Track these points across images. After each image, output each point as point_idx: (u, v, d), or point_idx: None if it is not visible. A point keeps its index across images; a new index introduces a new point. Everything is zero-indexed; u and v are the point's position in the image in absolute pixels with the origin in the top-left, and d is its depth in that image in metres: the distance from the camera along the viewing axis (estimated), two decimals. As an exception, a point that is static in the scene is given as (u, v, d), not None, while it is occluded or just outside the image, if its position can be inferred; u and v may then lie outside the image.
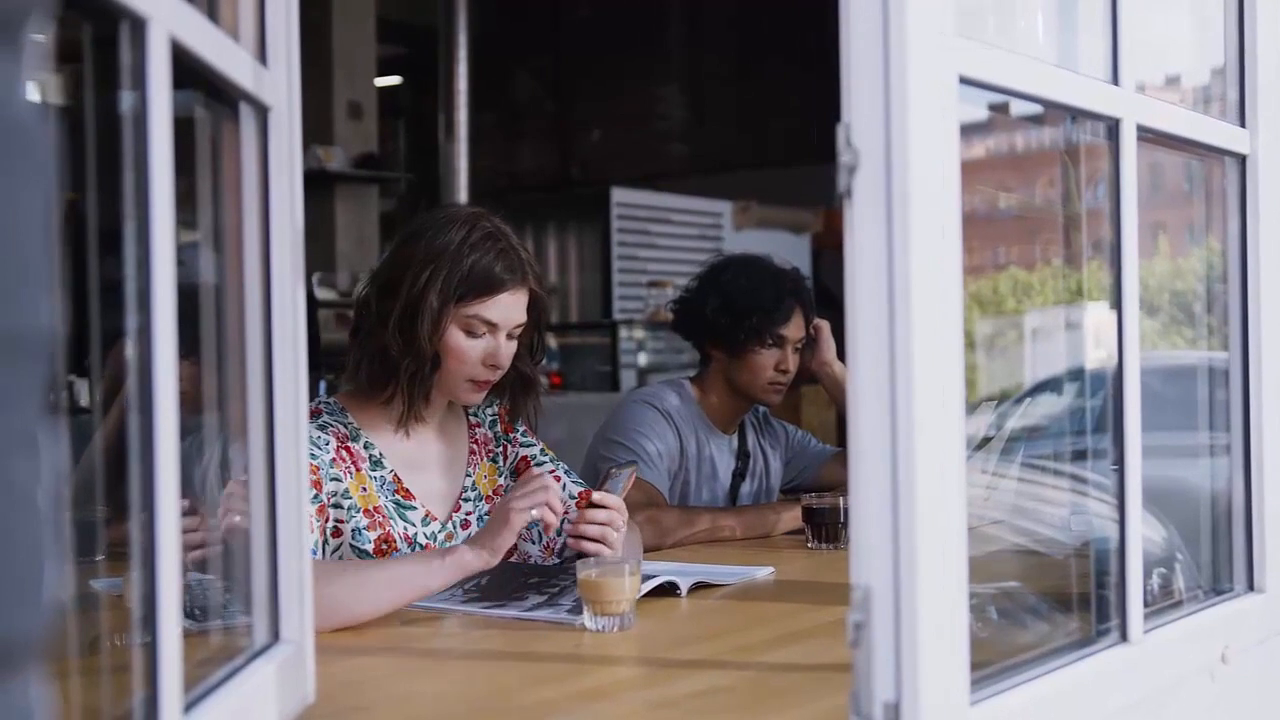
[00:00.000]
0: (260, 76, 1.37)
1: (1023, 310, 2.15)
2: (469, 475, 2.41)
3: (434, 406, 2.35)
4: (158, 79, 1.04)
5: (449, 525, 2.34)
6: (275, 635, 1.41)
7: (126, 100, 1.05)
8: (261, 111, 1.39)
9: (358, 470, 2.25)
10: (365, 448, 2.29)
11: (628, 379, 7.64)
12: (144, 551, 1.04)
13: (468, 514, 2.38)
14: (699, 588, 2.25)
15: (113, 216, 1.06)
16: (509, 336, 2.30)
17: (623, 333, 7.81)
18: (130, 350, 1.06)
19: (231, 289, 1.39)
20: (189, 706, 1.13)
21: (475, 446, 2.44)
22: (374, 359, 2.27)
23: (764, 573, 2.43)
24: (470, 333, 2.26)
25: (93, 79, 1.08)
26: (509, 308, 2.28)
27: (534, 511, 2.03)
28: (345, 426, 2.28)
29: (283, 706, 1.37)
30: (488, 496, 2.42)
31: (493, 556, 2.03)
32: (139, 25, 1.03)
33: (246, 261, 1.39)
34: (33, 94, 0.64)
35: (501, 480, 2.45)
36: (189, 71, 1.15)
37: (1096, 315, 1.92)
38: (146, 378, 1.04)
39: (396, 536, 2.25)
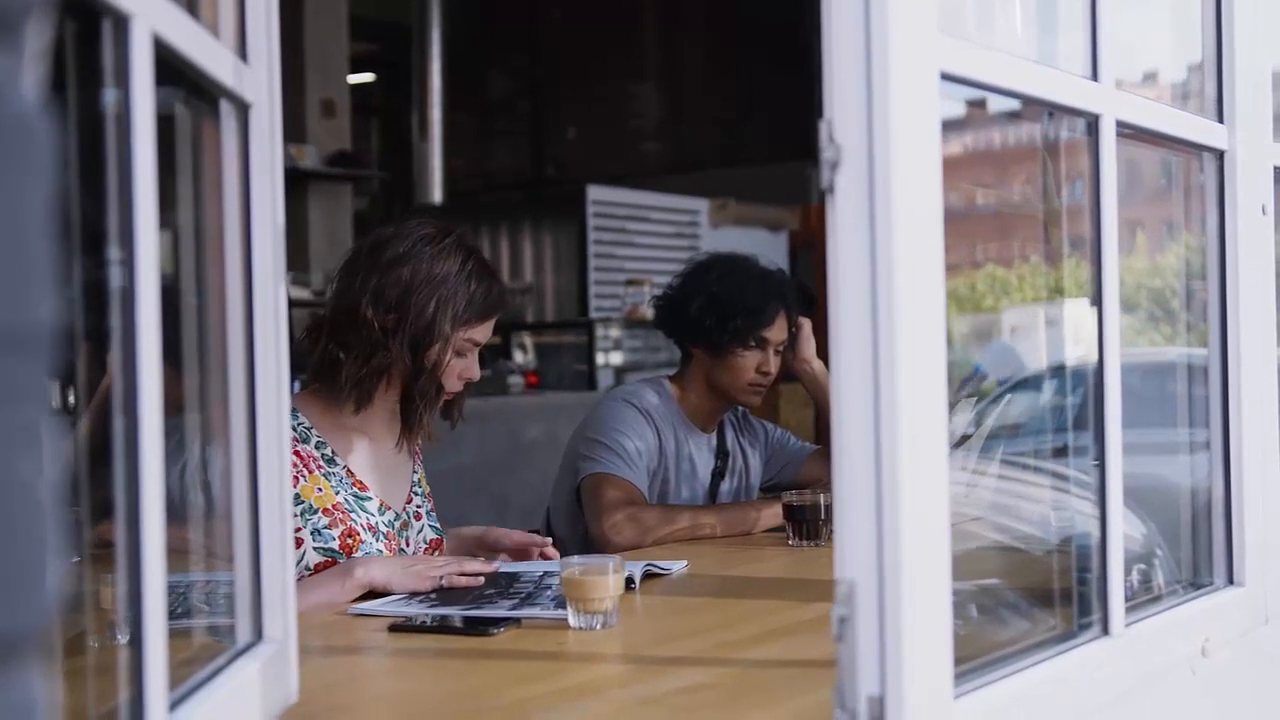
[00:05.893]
0: (241, 73, 1.36)
1: (1000, 307, 2.16)
2: (415, 473, 2.55)
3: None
4: (141, 76, 1.04)
5: (404, 515, 2.47)
6: (258, 634, 1.41)
7: (108, 97, 1.04)
8: (242, 109, 1.38)
9: (310, 472, 2.33)
10: (317, 447, 2.37)
11: (605, 378, 7.63)
12: (129, 552, 1.03)
13: (418, 507, 2.53)
14: (649, 577, 2.32)
15: (93, 214, 1.05)
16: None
17: (599, 331, 7.79)
18: (112, 351, 1.05)
19: (212, 288, 1.39)
20: (173, 705, 1.12)
21: (416, 449, 2.57)
22: (377, 375, 2.35)
23: (679, 566, 2.46)
24: (459, 353, 2.39)
25: (74, 75, 1.07)
26: (491, 328, 2.45)
27: (443, 581, 2.20)
28: (295, 429, 2.33)
29: (266, 705, 1.37)
30: (428, 494, 2.58)
31: (386, 579, 2.18)
32: (122, 22, 1.02)
33: (227, 260, 1.38)
34: (33, 91, 0.64)
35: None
36: (169, 68, 1.14)
37: (1075, 312, 1.93)
38: (130, 379, 1.03)
39: (360, 528, 2.34)
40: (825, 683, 1.27)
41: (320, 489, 2.33)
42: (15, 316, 0.60)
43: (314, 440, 2.37)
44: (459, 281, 2.36)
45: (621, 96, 10.32)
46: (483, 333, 2.41)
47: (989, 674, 1.38)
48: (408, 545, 2.45)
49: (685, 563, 2.48)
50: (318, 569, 2.27)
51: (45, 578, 0.62)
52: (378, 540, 2.35)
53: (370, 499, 2.39)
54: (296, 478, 2.27)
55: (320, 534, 2.30)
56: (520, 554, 2.51)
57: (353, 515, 2.34)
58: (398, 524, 2.44)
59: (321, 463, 2.35)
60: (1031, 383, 2.36)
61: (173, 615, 1.15)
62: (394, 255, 2.35)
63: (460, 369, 2.40)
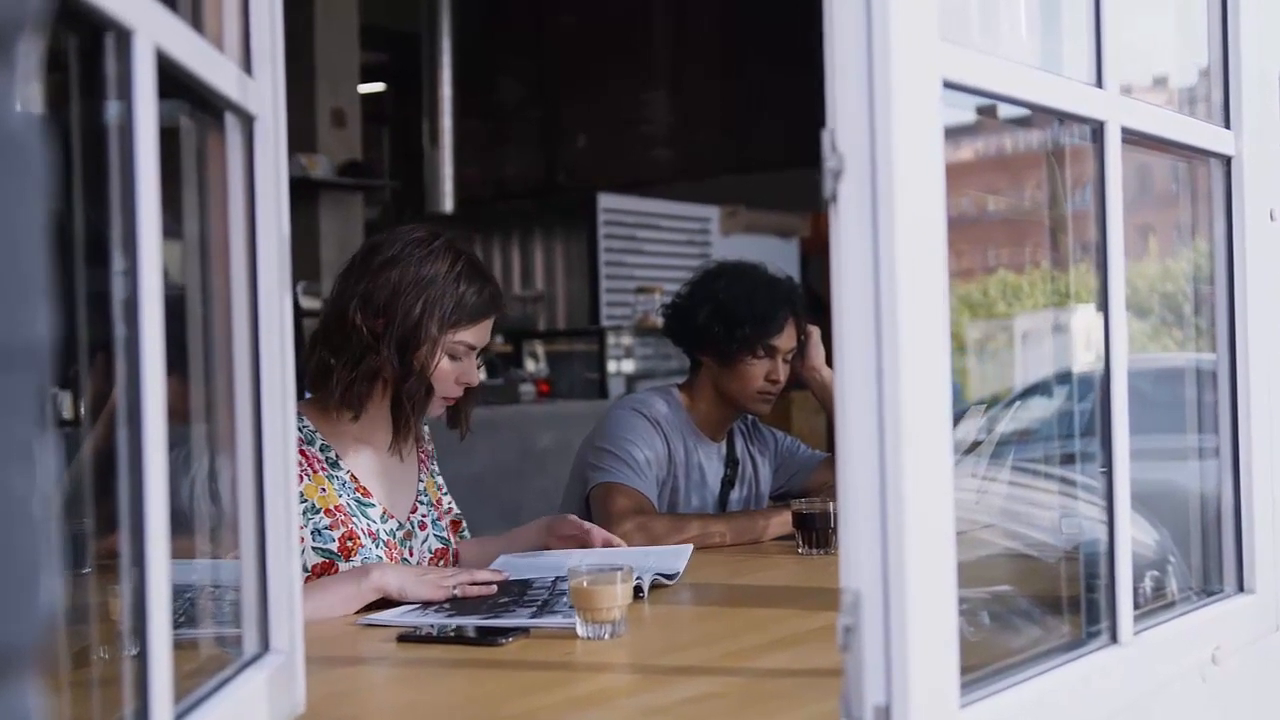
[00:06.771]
0: (245, 86, 1.37)
1: (1012, 313, 2.15)
2: (421, 481, 2.55)
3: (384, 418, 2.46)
4: (143, 89, 1.04)
5: (408, 524, 2.46)
6: (265, 645, 1.41)
7: (111, 110, 1.05)
8: (247, 121, 1.39)
9: (315, 472, 2.34)
10: (321, 450, 2.38)
11: (616, 386, 7.63)
12: (133, 564, 1.03)
13: (423, 516, 2.52)
14: (657, 586, 2.32)
15: (97, 227, 1.05)
16: (478, 355, 2.45)
17: (610, 339, 7.79)
18: (117, 362, 1.05)
19: (218, 300, 1.39)
20: (179, 717, 1.12)
21: (423, 456, 2.58)
22: (367, 379, 2.35)
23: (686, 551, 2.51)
24: (452, 356, 2.39)
25: (77, 89, 1.08)
26: (487, 332, 2.44)
27: (456, 590, 2.19)
28: (300, 431, 2.34)
29: (273, 716, 1.37)
30: (435, 503, 2.56)
31: (400, 587, 2.16)
32: (124, 36, 1.02)
33: (233, 272, 1.39)
34: (27, 106, 0.64)
35: (440, 494, 2.61)
36: (174, 81, 1.15)
37: (1086, 318, 1.92)
38: (134, 390, 1.03)
39: (360, 532, 2.35)
40: (833, 692, 1.27)
41: (324, 489, 2.33)
42: (10, 332, 0.60)
43: (319, 443, 2.37)
44: (447, 283, 2.35)
45: (631, 103, 10.30)
46: (475, 335, 2.40)
47: (996, 683, 1.38)
48: (411, 555, 2.44)
49: (690, 547, 2.53)
50: (315, 570, 2.27)
51: (39, 592, 0.62)
52: (377, 546, 2.36)
53: (373, 506, 2.40)
54: (300, 476, 2.28)
55: (321, 534, 2.30)
56: (581, 542, 2.54)
57: (354, 519, 2.34)
58: (400, 533, 2.44)
59: (325, 465, 2.36)
60: (1043, 389, 2.36)
61: (178, 624, 1.16)
62: (384, 259, 2.36)
63: (457, 373, 2.39)
